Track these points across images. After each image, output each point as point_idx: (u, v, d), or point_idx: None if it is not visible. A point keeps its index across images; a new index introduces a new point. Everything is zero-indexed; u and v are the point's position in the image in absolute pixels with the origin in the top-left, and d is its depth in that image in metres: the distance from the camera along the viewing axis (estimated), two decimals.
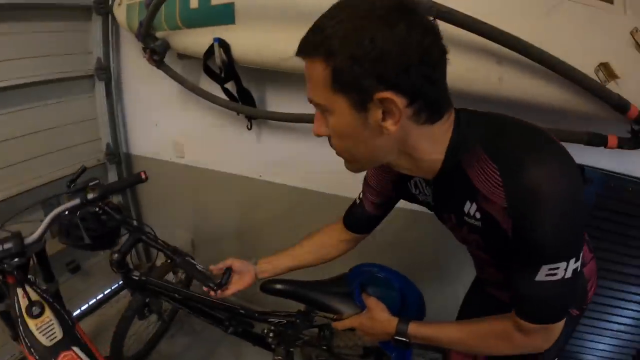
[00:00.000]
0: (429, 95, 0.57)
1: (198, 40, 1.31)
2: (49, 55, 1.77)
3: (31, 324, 0.92)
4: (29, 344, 0.88)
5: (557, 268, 0.60)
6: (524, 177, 0.56)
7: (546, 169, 0.56)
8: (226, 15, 1.24)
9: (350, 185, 1.47)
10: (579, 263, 0.61)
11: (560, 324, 0.67)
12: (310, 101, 0.62)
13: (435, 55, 0.55)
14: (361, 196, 0.95)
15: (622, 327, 1.40)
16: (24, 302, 0.95)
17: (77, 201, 1.10)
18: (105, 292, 2.19)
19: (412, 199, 0.84)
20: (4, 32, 1.59)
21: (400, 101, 0.54)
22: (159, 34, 1.47)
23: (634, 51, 0.97)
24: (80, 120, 1.93)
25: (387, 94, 0.53)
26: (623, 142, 1.09)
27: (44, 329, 0.91)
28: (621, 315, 1.38)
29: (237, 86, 1.40)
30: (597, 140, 1.11)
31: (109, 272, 2.09)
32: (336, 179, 1.55)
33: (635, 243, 1.28)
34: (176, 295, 1.31)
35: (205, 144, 1.83)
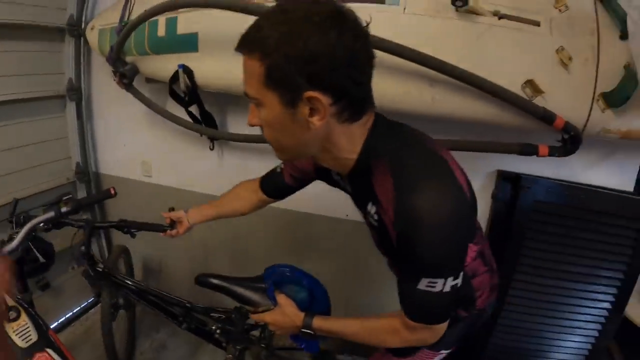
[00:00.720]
0: (354, 95, 0.63)
1: (164, 65, 1.42)
2: (22, 75, 1.82)
3: (8, 327, 0.97)
4: None
5: (436, 283, 0.67)
6: (411, 199, 0.63)
7: (434, 197, 0.63)
8: (190, 44, 1.36)
9: (309, 202, 1.60)
10: (458, 281, 0.69)
11: (444, 325, 0.76)
12: (246, 95, 0.66)
13: (362, 59, 0.62)
14: (282, 167, 1.05)
15: (580, 324, 1.54)
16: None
17: (51, 214, 1.18)
18: (75, 311, 2.21)
19: (334, 184, 0.92)
20: None
21: (326, 100, 0.60)
22: (128, 59, 1.56)
23: (559, 68, 1.11)
24: (51, 139, 1.98)
25: (315, 94, 0.59)
26: (554, 150, 1.21)
27: (20, 331, 0.97)
28: (575, 312, 1.52)
29: (199, 109, 1.50)
30: (529, 150, 1.24)
31: (79, 290, 2.15)
32: (294, 196, 1.68)
33: (575, 243, 1.43)
34: (135, 287, 1.43)
35: (170, 164, 1.92)
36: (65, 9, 1.93)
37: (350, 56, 0.59)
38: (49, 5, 1.87)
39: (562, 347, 1.59)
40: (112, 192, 1.29)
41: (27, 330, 0.98)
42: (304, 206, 1.67)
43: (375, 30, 1.06)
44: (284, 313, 0.95)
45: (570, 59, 1.10)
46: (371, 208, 0.74)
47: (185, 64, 1.32)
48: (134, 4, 1.58)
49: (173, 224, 1.24)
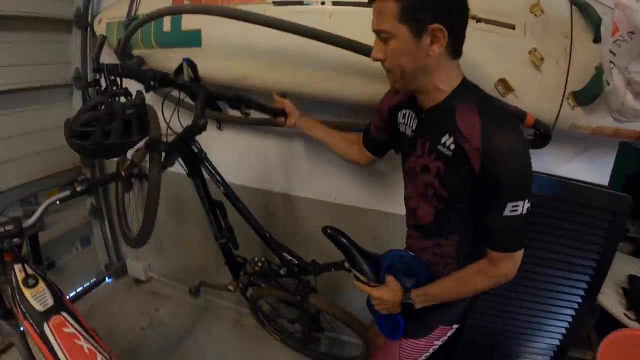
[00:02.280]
0: (460, 35, 0.87)
1: (169, 58, 1.54)
2: (30, 65, 1.94)
3: (27, 293, 1.08)
4: (24, 310, 1.04)
5: (518, 205, 0.85)
6: (499, 132, 0.82)
7: (516, 132, 0.84)
8: (194, 39, 1.49)
9: (301, 186, 1.74)
10: (529, 204, 0.86)
11: (521, 253, 0.92)
12: (377, 31, 0.88)
13: (466, 10, 0.87)
14: (370, 121, 1.24)
15: (555, 309, 1.64)
16: (20, 275, 1.11)
17: (67, 192, 1.29)
18: (78, 289, 2.36)
19: (394, 128, 1.10)
20: None
21: (444, 32, 0.82)
22: (135, 52, 1.69)
23: (531, 68, 1.20)
24: (58, 126, 2.09)
25: (438, 26, 0.81)
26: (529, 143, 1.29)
27: (38, 297, 1.07)
28: (549, 298, 1.62)
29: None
30: None
31: (81, 270, 2.30)
32: (290, 178, 1.80)
33: (550, 231, 1.51)
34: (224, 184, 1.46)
35: None
36: (72, 1, 2.05)
37: (460, 3, 0.85)
38: None
39: (537, 330, 1.69)
40: (124, 173, 1.39)
41: (44, 295, 1.09)
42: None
43: (363, 32, 1.18)
44: (389, 289, 1.05)
45: (542, 59, 1.19)
46: (447, 139, 0.90)
47: (189, 57, 1.45)
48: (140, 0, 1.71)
49: (284, 112, 1.35)
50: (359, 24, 1.23)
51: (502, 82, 1.22)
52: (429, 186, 0.97)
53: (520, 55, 1.21)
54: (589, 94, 1.19)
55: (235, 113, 1.44)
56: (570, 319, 1.66)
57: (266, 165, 1.87)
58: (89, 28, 2.05)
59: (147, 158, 1.30)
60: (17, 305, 1.06)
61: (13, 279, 1.09)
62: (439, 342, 1.15)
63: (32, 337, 1.03)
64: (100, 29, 1.88)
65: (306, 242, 1.82)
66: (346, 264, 1.22)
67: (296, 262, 1.51)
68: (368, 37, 1.16)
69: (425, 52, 0.85)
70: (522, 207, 0.85)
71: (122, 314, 2.23)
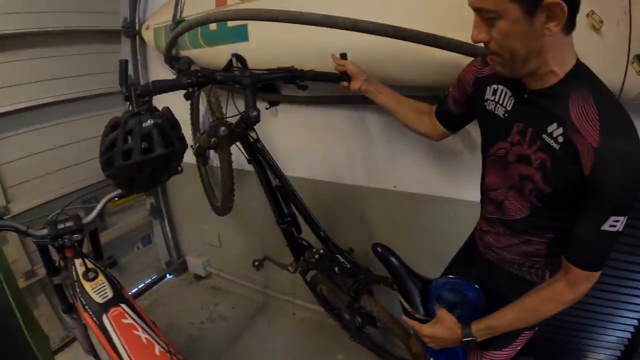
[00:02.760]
0: (575, 7, 0.71)
1: (218, 55, 1.60)
2: (86, 75, 2.09)
3: (87, 286, 1.10)
4: (84, 302, 1.08)
5: (618, 221, 0.73)
6: (621, 137, 0.70)
7: (636, 142, 0.71)
8: (241, 34, 1.53)
9: (355, 174, 1.71)
10: (625, 221, 0.74)
11: (598, 275, 0.80)
12: (479, 9, 0.73)
13: None
14: (449, 90, 1.09)
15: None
16: (81, 269, 1.14)
17: (118, 191, 1.36)
18: (140, 286, 2.51)
19: (479, 103, 0.95)
20: (45, 56, 1.92)
21: (564, 6, 0.66)
22: (184, 52, 1.77)
23: (591, 32, 1.10)
24: None
25: (556, 0, 0.66)
26: None
27: (97, 289, 1.10)
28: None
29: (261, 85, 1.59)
30: None
31: (142, 269, 2.44)
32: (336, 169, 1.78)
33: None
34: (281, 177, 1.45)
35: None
36: (118, 12, 2.18)
37: None
38: (104, 11, 2.13)
39: (607, 322, 1.55)
40: (179, 169, 1.46)
41: (104, 288, 1.12)
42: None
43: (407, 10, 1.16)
44: (445, 326, 0.97)
45: (601, 22, 1.09)
46: (555, 130, 0.77)
47: (238, 52, 1.49)
48: (184, 2, 1.78)
49: (347, 75, 1.24)
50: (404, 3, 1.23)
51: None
52: (528, 180, 0.84)
53: (579, 19, 1.14)
54: None
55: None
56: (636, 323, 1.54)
57: (324, 154, 1.85)
58: (137, 36, 2.17)
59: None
60: (77, 298, 1.10)
61: (74, 273, 1.14)
62: (521, 347, 1.07)
63: (92, 328, 1.05)
64: (148, 35, 1.99)
65: (363, 237, 1.78)
66: (395, 286, 1.13)
67: (348, 266, 1.51)
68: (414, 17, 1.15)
69: (541, 32, 0.70)
70: (621, 223, 0.74)
71: (183, 308, 2.34)
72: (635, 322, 1.51)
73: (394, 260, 1.06)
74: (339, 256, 1.51)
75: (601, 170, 0.71)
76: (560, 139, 0.76)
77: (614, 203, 0.73)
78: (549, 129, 0.78)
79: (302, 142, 1.86)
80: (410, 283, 1.05)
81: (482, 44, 0.79)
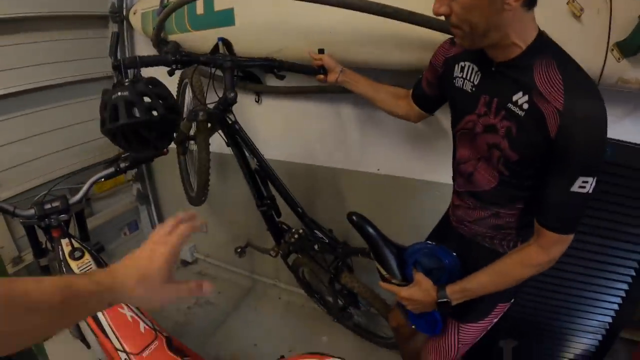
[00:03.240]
0: None
1: (205, 40, 1.61)
2: (73, 60, 2.10)
3: (73, 264, 1.14)
4: None
5: (587, 182, 0.76)
6: (584, 100, 0.74)
7: (601, 105, 0.74)
8: (227, 18, 1.55)
9: (341, 157, 1.75)
10: (595, 183, 0.77)
11: (572, 238, 0.83)
12: None
13: None
14: (422, 74, 1.13)
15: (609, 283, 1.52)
16: (67, 249, 1.17)
17: (111, 170, 1.37)
18: None
19: (448, 82, 1.00)
20: (31, 41, 1.92)
21: None
22: (172, 37, 1.78)
23: (571, 19, 1.13)
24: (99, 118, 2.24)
25: None
26: None
27: (84, 268, 1.14)
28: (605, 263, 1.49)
29: (243, 72, 1.65)
30: None
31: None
32: (330, 150, 1.83)
33: (602, 197, 1.39)
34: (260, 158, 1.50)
35: None
36: None
37: None
38: None
39: (588, 306, 1.56)
40: (165, 150, 1.47)
41: (90, 266, 1.16)
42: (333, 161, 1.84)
43: None
44: (421, 288, 1.00)
45: (581, 9, 1.12)
46: (521, 98, 0.80)
47: (224, 36, 1.51)
48: None
49: (323, 69, 1.28)
50: None
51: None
52: (495, 148, 0.87)
53: (559, 6, 1.15)
54: (634, 43, 1.12)
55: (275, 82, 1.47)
56: (623, 294, 1.54)
57: (304, 139, 1.90)
58: (124, 21, 2.17)
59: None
60: None
61: (60, 252, 1.17)
62: (497, 319, 1.10)
63: None
64: (135, 20, 1.99)
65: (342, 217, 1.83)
66: (372, 255, 1.17)
67: (326, 240, 1.55)
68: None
69: (500, 6, 0.73)
70: (590, 184, 0.76)
71: None
72: (616, 307, 1.54)
73: (369, 227, 1.09)
74: (317, 232, 1.56)
75: (567, 132, 0.74)
76: (525, 106, 0.80)
77: (581, 164, 0.76)
78: (514, 98, 0.81)
79: (282, 128, 1.92)
80: (386, 249, 1.08)
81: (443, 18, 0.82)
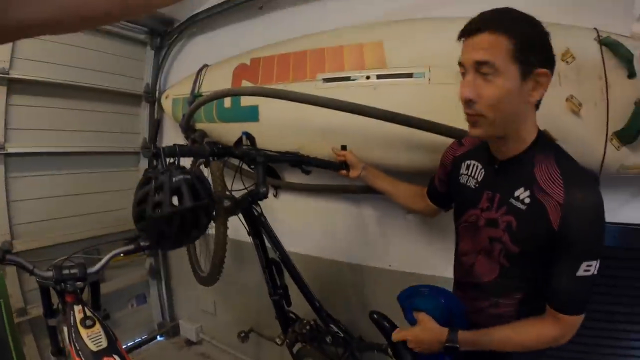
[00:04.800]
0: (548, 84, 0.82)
1: (230, 132, 1.76)
2: (105, 131, 2.28)
3: (83, 332, 1.12)
4: (78, 348, 1.09)
5: (591, 265, 0.81)
6: (583, 190, 0.81)
7: (598, 194, 0.81)
8: (252, 114, 1.70)
9: (354, 252, 1.78)
10: (599, 265, 0.82)
11: (582, 318, 0.87)
12: (484, 62, 0.80)
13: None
14: (435, 174, 1.23)
15: None
16: (79, 316, 1.17)
17: (131, 247, 1.41)
18: (129, 344, 2.49)
19: (455, 179, 1.08)
20: (71, 108, 2.10)
21: (549, 77, 0.80)
22: (198, 125, 1.94)
23: (570, 115, 1.21)
24: (127, 189, 2.36)
25: (545, 71, 0.79)
26: None
27: (93, 337, 1.12)
28: None
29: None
30: None
31: (134, 326, 2.44)
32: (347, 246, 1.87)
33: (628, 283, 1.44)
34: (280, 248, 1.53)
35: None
36: (142, 78, 2.42)
37: (554, 55, 0.82)
38: (129, 75, 2.36)
39: None
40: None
41: (99, 337, 1.13)
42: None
43: (404, 101, 1.31)
44: (426, 329, 1.01)
45: (579, 105, 1.20)
46: (522, 192, 0.87)
47: (248, 130, 1.64)
48: (202, 79, 1.99)
49: (346, 164, 1.39)
50: (401, 95, 1.39)
51: (544, 133, 1.21)
52: (496, 241, 0.93)
53: (558, 104, 1.22)
54: (632, 130, 1.17)
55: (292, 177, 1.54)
56: None
57: (320, 231, 1.96)
58: (156, 103, 2.37)
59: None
60: (72, 343, 1.12)
61: (71, 318, 1.18)
62: None
63: None
64: (167, 104, 2.18)
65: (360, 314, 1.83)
66: (389, 351, 1.17)
67: (342, 335, 1.54)
68: (410, 106, 1.30)
69: (526, 98, 0.81)
70: (594, 267, 0.82)
71: None
72: None
73: (387, 325, 1.12)
74: (332, 325, 1.55)
75: (569, 222, 0.80)
76: (527, 200, 0.86)
77: (584, 249, 0.82)
78: (516, 193, 0.88)
79: (298, 222, 1.98)
80: (403, 347, 1.08)
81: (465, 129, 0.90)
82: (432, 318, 1.02)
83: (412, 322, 1.06)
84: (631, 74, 1.17)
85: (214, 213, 1.56)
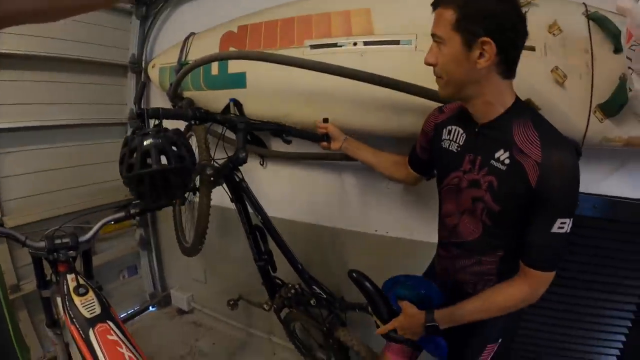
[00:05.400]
0: (511, 55, 0.90)
1: (217, 99, 1.76)
2: (91, 103, 2.25)
3: (77, 300, 1.14)
4: (72, 315, 1.11)
5: (565, 223, 0.88)
6: (559, 151, 0.87)
7: (573, 154, 0.88)
8: (239, 81, 1.70)
9: (335, 216, 1.82)
10: (572, 224, 0.90)
11: (554, 275, 0.94)
12: (433, 35, 0.93)
13: (522, 32, 0.88)
14: (416, 141, 1.28)
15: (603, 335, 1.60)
16: (72, 284, 1.20)
17: (121, 214, 1.43)
18: (121, 315, 2.53)
19: (437, 145, 1.14)
20: (57, 80, 2.08)
21: (493, 47, 0.85)
22: (186, 94, 1.93)
23: (555, 86, 1.24)
24: (115, 160, 2.34)
25: (487, 39, 0.85)
26: None
27: (87, 305, 1.14)
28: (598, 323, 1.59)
29: (250, 135, 1.80)
30: None
31: (126, 297, 2.48)
32: (330, 210, 1.91)
33: (599, 252, 1.50)
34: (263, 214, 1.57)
35: None
36: (127, 48, 2.39)
37: (514, 25, 0.87)
38: (115, 45, 2.33)
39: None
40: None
41: (93, 304, 1.16)
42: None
43: (391, 67, 1.33)
44: (407, 314, 1.08)
45: (564, 76, 1.23)
46: (502, 154, 0.94)
47: (236, 97, 1.65)
48: (189, 47, 1.98)
49: (327, 136, 1.43)
50: (388, 61, 1.41)
51: (528, 102, 1.25)
52: (479, 201, 0.99)
53: (543, 74, 1.25)
54: (615, 104, 1.21)
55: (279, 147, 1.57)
56: (621, 346, 1.58)
57: (306, 200, 2.01)
58: (142, 72, 2.35)
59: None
60: (66, 311, 1.15)
61: (64, 287, 1.20)
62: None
63: (77, 341, 1.09)
64: (153, 73, 2.16)
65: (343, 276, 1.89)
66: (369, 309, 1.24)
67: (324, 296, 1.60)
68: (397, 73, 1.32)
69: (474, 64, 0.89)
70: (567, 225, 0.89)
71: (163, 342, 2.37)
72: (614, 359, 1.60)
73: (367, 284, 1.17)
74: (315, 287, 1.61)
75: (546, 180, 0.87)
76: (507, 161, 0.93)
77: (559, 207, 0.89)
78: (496, 155, 0.95)
79: (284, 190, 2.03)
80: (382, 302, 1.15)
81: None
82: (413, 306, 1.08)
83: (398, 310, 1.12)
84: (617, 49, 1.21)
85: (198, 182, 1.60)
